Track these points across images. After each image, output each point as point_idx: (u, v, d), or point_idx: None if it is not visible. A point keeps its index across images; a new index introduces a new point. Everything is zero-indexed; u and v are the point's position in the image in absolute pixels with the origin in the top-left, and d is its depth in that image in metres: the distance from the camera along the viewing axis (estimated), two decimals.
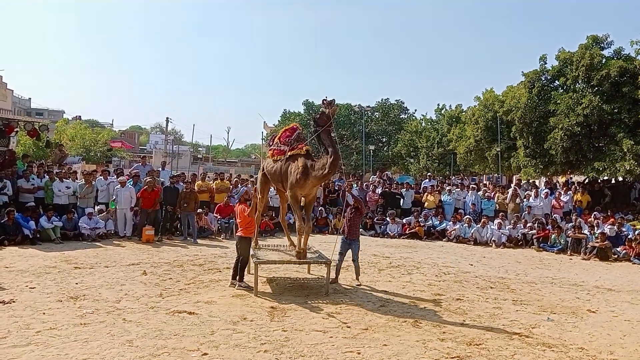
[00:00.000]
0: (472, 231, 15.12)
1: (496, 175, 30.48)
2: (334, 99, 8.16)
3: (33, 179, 13.27)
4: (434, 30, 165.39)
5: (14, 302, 6.69)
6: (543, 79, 20.43)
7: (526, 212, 15.82)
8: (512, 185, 18.05)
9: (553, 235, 14.12)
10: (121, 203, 13.15)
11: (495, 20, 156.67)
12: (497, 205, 16.56)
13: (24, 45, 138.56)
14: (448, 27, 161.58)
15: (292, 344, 5.48)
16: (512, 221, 15.21)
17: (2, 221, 11.35)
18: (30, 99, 63.05)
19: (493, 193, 17.18)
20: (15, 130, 16.17)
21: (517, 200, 16.19)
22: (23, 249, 10.91)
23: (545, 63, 20.44)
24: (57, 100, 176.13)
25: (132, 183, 14.11)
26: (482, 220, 15.36)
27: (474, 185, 18.59)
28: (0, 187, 12.39)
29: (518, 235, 14.87)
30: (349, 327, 6.19)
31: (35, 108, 61.75)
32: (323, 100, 8.29)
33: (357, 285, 8.56)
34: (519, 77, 23.44)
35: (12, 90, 31.67)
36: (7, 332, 5.49)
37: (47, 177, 13.43)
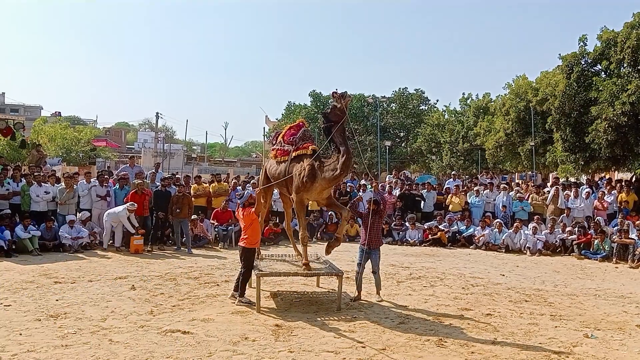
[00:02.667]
0: (503, 237, 15.04)
1: (530, 173, 30.37)
2: (346, 91, 8.03)
3: (8, 183, 13.38)
4: (457, 10, 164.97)
5: None
6: (583, 62, 20.25)
7: (565, 214, 15.70)
8: (550, 184, 17.91)
9: (596, 241, 14.01)
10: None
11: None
12: (531, 207, 16.47)
13: None
14: (474, 6, 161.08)
15: None
16: (550, 225, 15.11)
17: None
18: (3, 93, 63.88)
19: (527, 194, 17.09)
20: None
21: (559, 201, 16.02)
22: None
23: (586, 45, 20.27)
24: (34, 95, 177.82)
25: (118, 187, 14.24)
26: (515, 224, 15.27)
27: (504, 185, 18.48)
28: None
29: (556, 241, 14.77)
30: (364, 347, 6.17)
31: (9, 104, 62.51)
32: (333, 93, 8.12)
33: (378, 300, 8.48)
34: (555, 62, 23.49)
35: None
36: None
37: (24, 181, 13.54)
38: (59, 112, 63.08)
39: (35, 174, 14.15)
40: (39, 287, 8.81)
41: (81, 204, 13.97)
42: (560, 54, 21.30)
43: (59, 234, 12.73)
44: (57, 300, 8.00)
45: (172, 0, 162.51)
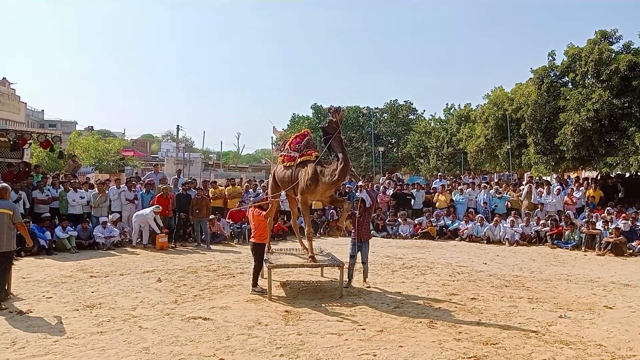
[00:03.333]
0: (484, 230, 15.02)
1: (507, 173, 30.27)
2: (340, 107, 8.21)
3: (48, 190, 13.41)
4: (441, 29, 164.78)
5: (31, 312, 6.75)
6: (552, 75, 20.25)
7: (539, 209, 15.67)
8: (524, 182, 17.87)
9: (567, 232, 13.97)
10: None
11: (502, 18, 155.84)
12: (509, 203, 16.43)
13: (36, 57, 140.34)
14: (455, 26, 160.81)
15: (308, 348, 5.46)
16: (525, 219, 15.07)
17: (19, 232, 11.44)
18: (43, 110, 63.88)
19: (505, 191, 17.05)
20: (29, 142, 16.31)
21: (532, 197, 16.02)
22: (39, 259, 11.01)
23: (554, 59, 20.27)
24: (69, 111, 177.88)
25: (145, 192, 14.26)
26: (495, 218, 15.25)
27: (485, 184, 18.46)
28: (15, 199, 12.49)
29: (531, 233, 14.73)
30: (364, 329, 6.16)
31: (48, 120, 62.49)
32: (329, 108, 8.33)
33: (366, 287, 8.50)
34: (527, 74, 23.28)
35: (25, 103, 32.08)
36: (25, 342, 5.53)
37: (62, 187, 13.56)
38: (92, 126, 63.17)
39: (72, 181, 14.19)
40: (76, 281, 8.81)
41: (112, 207, 13.97)
42: (531, 68, 21.27)
43: (93, 233, 12.73)
44: (92, 292, 8.00)
45: (190, 22, 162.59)
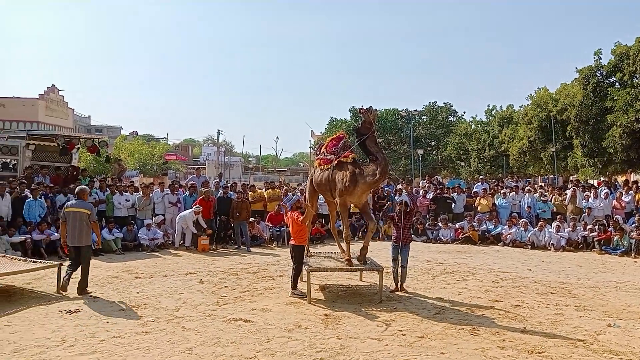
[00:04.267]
0: (529, 235, 14.61)
1: (552, 176, 29.42)
2: (371, 106, 8.21)
3: (95, 193, 13.85)
4: (483, 29, 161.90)
5: (79, 311, 6.98)
6: (598, 74, 19.64)
7: (586, 213, 15.12)
8: (570, 185, 17.32)
9: (615, 237, 13.43)
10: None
11: (545, 16, 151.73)
12: (554, 207, 15.95)
13: (83, 65, 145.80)
14: (496, 26, 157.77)
15: (348, 352, 5.44)
16: (571, 223, 14.59)
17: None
18: (89, 116, 66.06)
19: (550, 195, 16.56)
20: (77, 147, 16.96)
21: (577, 201, 15.50)
22: None
23: (601, 58, 19.65)
24: (114, 117, 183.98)
25: (188, 194, 14.56)
26: (540, 223, 14.81)
27: (529, 188, 17.98)
28: (64, 202, 12.97)
29: (578, 238, 14.23)
30: (404, 334, 6.09)
31: (94, 125, 64.63)
32: (360, 109, 8.35)
33: (403, 292, 8.35)
34: (573, 74, 22.66)
35: (73, 109, 33.28)
36: (74, 340, 5.73)
37: (108, 191, 14.00)
38: (136, 131, 65.01)
39: (118, 184, 14.62)
40: (122, 282, 9.06)
41: (156, 209, 14.31)
42: (577, 67, 20.69)
43: (138, 235, 13.06)
44: (137, 292, 8.21)
45: (230, 30, 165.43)
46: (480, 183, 19.51)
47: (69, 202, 8.81)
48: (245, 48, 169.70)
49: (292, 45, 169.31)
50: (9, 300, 7.50)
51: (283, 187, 18.32)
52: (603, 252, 13.36)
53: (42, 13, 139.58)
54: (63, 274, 8.05)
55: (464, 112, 49.81)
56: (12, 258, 9.01)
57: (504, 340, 5.92)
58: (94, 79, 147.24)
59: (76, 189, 8.78)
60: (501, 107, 37.32)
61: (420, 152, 39.99)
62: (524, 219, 15.29)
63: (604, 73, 19.63)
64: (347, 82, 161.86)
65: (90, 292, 8.02)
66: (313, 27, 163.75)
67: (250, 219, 14.23)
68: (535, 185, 21.01)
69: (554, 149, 26.19)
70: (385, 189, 17.51)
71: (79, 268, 8.13)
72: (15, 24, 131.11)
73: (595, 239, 13.80)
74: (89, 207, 8.27)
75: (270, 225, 14.97)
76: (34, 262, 8.77)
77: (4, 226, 11.18)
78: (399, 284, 8.46)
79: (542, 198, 16.31)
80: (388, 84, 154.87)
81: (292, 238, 8.26)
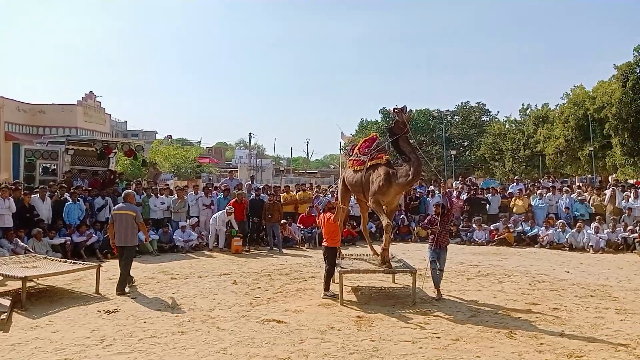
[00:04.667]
0: (566, 236, 14.21)
1: (590, 176, 28.59)
2: (405, 106, 8.13)
3: None
4: (517, 26, 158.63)
5: (117, 311, 7.15)
6: (638, 71, 18.96)
7: (626, 214, 14.62)
8: (609, 185, 16.78)
9: None
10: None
11: (581, 11, 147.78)
12: (593, 208, 15.49)
13: (118, 72, 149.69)
14: (530, 22, 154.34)
15: (381, 354, 5.41)
16: (611, 224, 14.13)
17: (106, 236, 12.20)
18: (126, 121, 67.75)
19: (589, 195, 16.09)
20: (114, 151, 17.39)
21: (616, 201, 15.01)
22: None
23: None
24: (150, 121, 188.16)
25: (222, 197, 14.75)
26: (578, 224, 14.40)
27: (567, 188, 17.50)
28: (102, 205, 13.35)
29: (618, 240, 13.76)
30: (438, 337, 6.01)
31: (130, 130, 66.23)
32: (394, 108, 8.27)
33: (438, 295, 8.17)
34: (610, 71, 21.96)
35: (110, 115, 34.15)
36: (112, 339, 5.87)
37: (145, 194, 14.30)
38: (171, 136, 66.51)
39: (153, 187, 14.92)
40: (158, 283, 9.23)
41: (190, 211, 14.54)
42: (615, 64, 20.06)
43: (173, 237, 13.30)
44: (173, 293, 8.35)
45: (260, 33, 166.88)
46: (515, 183, 19.06)
47: (117, 205, 9.45)
48: (276, 50, 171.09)
49: (322, 46, 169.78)
50: (51, 301, 7.74)
51: (314, 189, 18.36)
52: None
53: (80, 22, 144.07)
54: (102, 275, 8.29)
55: (498, 112, 48.77)
56: (52, 260, 9.31)
57: (541, 343, 5.78)
58: (130, 86, 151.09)
59: (123, 193, 9.52)
60: (536, 106, 36.47)
61: (453, 152, 39.42)
62: (561, 220, 14.89)
63: None
64: (377, 83, 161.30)
65: (128, 293, 8.30)
66: (343, 27, 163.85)
67: (282, 221, 14.31)
68: (573, 186, 20.43)
69: (591, 148, 25.44)
70: (418, 190, 17.34)
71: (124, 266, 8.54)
72: (54, 33, 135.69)
73: (636, 240, 13.32)
74: (134, 209, 8.77)
75: (302, 227, 15.02)
76: (73, 263, 9.04)
77: (45, 229, 11.56)
78: (439, 288, 8.19)
79: (579, 198, 15.86)
80: (419, 85, 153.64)
81: (324, 240, 8.27)
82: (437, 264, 8.19)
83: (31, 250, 10.48)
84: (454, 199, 16.86)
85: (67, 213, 12.17)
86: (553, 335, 6.12)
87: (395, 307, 7.44)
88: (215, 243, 13.62)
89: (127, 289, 8.38)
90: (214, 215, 13.67)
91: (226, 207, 13.48)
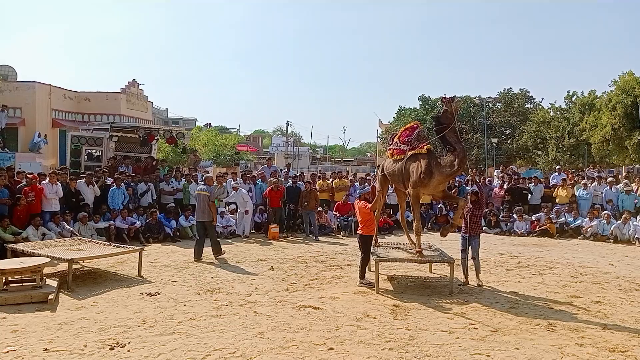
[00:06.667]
0: (611, 228, 13.72)
1: (638, 166, 27.47)
2: (454, 95, 7.98)
3: (172, 182, 14.51)
4: (561, 10, 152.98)
5: (159, 294, 7.37)
6: None
7: None
8: None
9: None
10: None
11: None
12: (637, 200, 14.87)
13: (159, 61, 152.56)
14: (578, 7, 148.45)
15: (417, 343, 5.39)
16: None
17: (147, 221, 12.57)
18: (167, 109, 69.13)
19: (637, 186, 15.46)
20: (156, 138, 17.81)
21: None
22: (165, 245, 11.98)
23: None
24: (190, 109, 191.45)
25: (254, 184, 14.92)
26: (624, 215, 13.87)
27: (612, 178, 16.86)
28: (145, 190, 13.72)
29: None
30: (476, 328, 5.95)
31: (171, 117, 67.48)
32: (442, 98, 8.15)
33: (478, 285, 8.15)
34: None
35: (152, 102, 34.87)
36: (154, 321, 6.06)
37: (185, 180, 14.60)
38: (210, 123, 67.29)
39: (194, 174, 15.21)
40: (197, 267, 9.45)
41: (229, 198, 14.74)
42: None
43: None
44: (212, 277, 8.54)
45: (298, 22, 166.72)
46: (557, 173, 18.51)
47: (198, 187, 11.16)
48: (314, 39, 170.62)
49: (359, 34, 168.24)
50: (95, 282, 8.06)
51: (349, 177, 18.31)
52: None
53: (123, 13, 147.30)
54: (144, 259, 8.61)
55: (542, 99, 46.96)
56: (97, 243, 9.67)
57: (582, 337, 5.65)
58: (171, 74, 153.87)
59: (203, 176, 11.86)
60: (582, 93, 35.15)
61: (494, 141, 38.52)
62: (606, 211, 14.38)
63: None
64: (416, 70, 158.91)
65: (222, 255, 10.21)
66: (382, 14, 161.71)
67: (319, 209, 14.37)
68: (619, 176, 19.65)
69: None
70: (457, 179, 17.05)
71: (207, 240, 10.24)
72: (97, 24, 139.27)
73: None
74: (209, 190, 10.35)
75: (338, 214, 15.04)
76: (117, 246, 9.35)
77: (90, 213, 11.99)
78: (468, 276, 8.26)
79: (625, 189, 15.26)
80: (459, 71, 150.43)
81: (360, 228, 8.27)
82: (470, 253, 8.24)
83: (77, 233, 10.93)
84: (496, 189, 16.53)
85: (111, 198, 12.58)
86: (595, 328, 5.96)
87: (432, 297, 7.40)
88: (253, 230, 13.83)
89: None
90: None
91: (232, 183, 13.92)
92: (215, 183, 11.47)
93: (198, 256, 10.13)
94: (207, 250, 11.04)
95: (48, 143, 21.63)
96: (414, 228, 8.33)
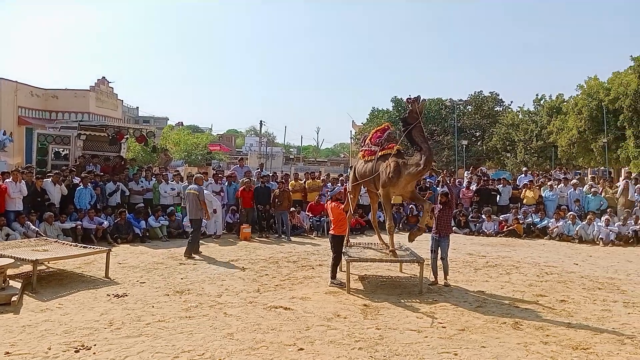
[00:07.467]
0: (576, 228, 14.10)
1: (602, 168, 28.29)
2: (419, 95, 8.09)
3: (142, 181, 14.27)
4: (532, 16, 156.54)
5: (126, 295, 7.23)
6: None
7: (637, 207, 14.44)
8: (622, 178, 16.57)
9: None
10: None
11: (598, 2, 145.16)
12: (602, 202, 15.30)
13: (131, 58, 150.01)
14: (545, 13, 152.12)
15: (387, 342, 5.43)
16: (622, 217, 13.98)
17: (116, 221, 12.34)
18: (138, 107, 67.94)
19: (601, 188, 15.92)
20: (125, 137, 17.48)
21: (629, 194, 14.82)
22: (134, 246, 11.77)
23: None
24: (161, 108, 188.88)
25: (226, 184, 14.80)
26: (588, 216, 14.27)
27: (575, 181, 17.32)
28: (114, 190, 13.46)
29: (629, 233, 13.62)
30: (444, 327, 6.03)
31: (142, 116, 66.41)
32: (407, 98, 8.23)
33: (446, 285, 8.26)
34: (626, 62, 21.61)
35: (122, 100, 34.27)
36: (121, 323, 5.95)
37: (155, 179, 14.38)
38: (182, 122, 66.42)
39: (164, 173, 14.98)
40: (167, 268, 9.31)
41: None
42: (632, 55, 19.74)
43: (183, 223, 13.36)
44: (181, 278, 8.43)
45: (270, 22, 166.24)
46: (524, 175, 18.91)
47: (189, 186, 11.36)
48: (286, 40, 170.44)
49: (333, 35, 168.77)
50: (61, 284, 7.86)
51: (322, 177, 18.34)
52: None
53: (93, 9, 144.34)
54: (111, 259, 8.45)
55: (511, 102, 48.14)
56: (63, 243, 9.42)
57: (547, 335, 5.78)
58: (143, 72, 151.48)
59: (194, 176, 11.91)
60: (550, 96, 36.05)
61: (464, 142, 39.20)
62: (571, 212, 14.77)
63: None
64: (389, 72, 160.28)
65: (191, 258, 10.19)
66: (355, 15, 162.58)
67: (291, 209, 14.34)
68: (585, 178, 20.21)
69: (605, 140, 25.15)
70: (428, 180, 17.26)
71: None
72: (67, 18, 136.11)
73: None
74: (198, 189, 10.74)
75: (311, 215, 15.05)
76: (84, 247, 9.14)
77: (57, 213, 11.70)
78: (438, 276, 8.37)
79: (592, 190, 15.69)
80: (432, 74, 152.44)
81: (332, 228, 8.29)
82: (439, 253, 8.34)
83: (42, 233, 10.64)
84: (463, 190, 16.79)
85: (77, 198, 12.30)
86: (560, 327, 6.10)
87: (402, 297, 7.46)
88: (224, 230, 13.70)
89: (195, 256, 10.38)
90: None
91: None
92: (212, 182, 11.64)
93: (196, 252, 10.61)
94: (178, 252, 10.93)
95: (13, 141, 21.01)
96: (386, 227, 8.41)
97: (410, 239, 8.55)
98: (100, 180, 13.46)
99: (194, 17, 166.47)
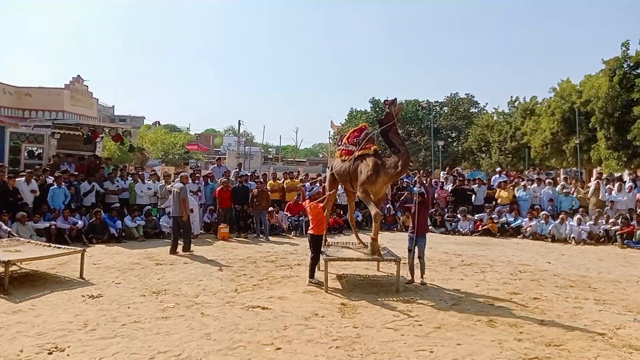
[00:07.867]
0: (549, 228, 14.39)
1: (575, 169, 28.89)
2: (395, 98, 8.24)
3: (117, 181, 14.05)
4: (505, 20, 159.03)
5: (101, 296, 7.11)
6: (625, 66, 19.11)
7: (608, 207, 14.81)
8: (593, 178, 16.97)
9: (638, 231, 13.15)
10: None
11: (570, 6, 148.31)
12: (573, 202, 15.64)
13: (106, 57, 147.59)
14: (520, 17, 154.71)
15: (364, 341, 5.45)
16: (594, 217, 14.31)
17: (91, 221, 12.12)
18: (113, 106, 66.75)
19: (573, 188, 16.26)
20: (101, 136, 17.20)
21: (600, 194, 15.18)
22: (109, 246, 11.58)
23: (628, 49, 19.13)
24: (137, 107, 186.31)
25: (203, 184, 14.69)
26: (561, 216, 14.57)
27: (550, 180, 17.67)
28: (89, 190, 13.22)
29: (600, 232, 13.95)
30: (420, 325, 6.08)
31: (118, 115, 65.31)
32: (385, 101, 8.34)
33: (422, 283, 8.33)
34: (598, 66, 22.16)
35: (97, 99, 33.65)
36: (95, 324, 5.84)
37: (131, 179, 14.17)
38: (159, 121, 65.64)
39: (140, 173, 14.78)
40: (143, 268, 9.19)
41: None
42: (603, 59, 20.19)
43: (160, 223, 13.21)
44: (158, 279, 8.33)
45: (250, 22, 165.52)
46: (497, 175, 19.20)
47: (174, 184, 11.55)
48: (267, 39, 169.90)
49: (312, 36, 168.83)
50: (34, 285, 7.69)
51: (299, 176, 18.33)
52: (625, 246, 13.12)
53: (68, 8, 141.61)
54: (86, 260, 8.27)
55: (486, 104, 49.12)
56: (36, 244, 9.21)
57: (521, 332, 5.87)
58: (118, 71, 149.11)
59: (180, 174, 12.08)
60: (524, 98, 36.68)
61: (441, 143, 39.64)
62: (544, 212, 15.05)
63: (631, 64, 19.14)
64: (368, 73, 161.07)
65: (189, 253, 10.59)
66: (334, 17, 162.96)
67: (270, 209, 14.29)
68: (557, 178, 20.62)
69: (577, 142, 25.69)
70: (405, 180, 17.39)
71: (180, 234, 10.86)
72: (42, 15, 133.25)
73: (617, 232, 13.54)
74: (180, 187, 10.89)
75: (289, 214, 15.03)
76: (58, 247, 8.94)
77: (29, 212, 11.44)
78: (414, 274, 8.43)
79: (564, 191, 16.01)
80: (409, 75, 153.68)
81: (310, 227, 8.29)
82: (416, 252, 8.37)
83: (15, 234, 10.36)
84: (439, 190, 16.98)
85: (51, 197, 12.05)
86: (533, 324, 6.21)
87: (379, 295, 7.50)
88: (202, 230, 13.58)
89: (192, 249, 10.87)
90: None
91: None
92: (189, 182, 12.04)
93: (173, 250, 10.73)
94: (155, 252, 10.81)
95: None
96: (372, 215, 8.22)
97: (373, 253, 8.37)
98: (75, 179, 13.21)
99: (172, 15, 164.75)
